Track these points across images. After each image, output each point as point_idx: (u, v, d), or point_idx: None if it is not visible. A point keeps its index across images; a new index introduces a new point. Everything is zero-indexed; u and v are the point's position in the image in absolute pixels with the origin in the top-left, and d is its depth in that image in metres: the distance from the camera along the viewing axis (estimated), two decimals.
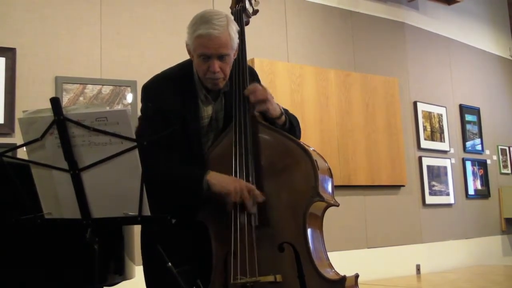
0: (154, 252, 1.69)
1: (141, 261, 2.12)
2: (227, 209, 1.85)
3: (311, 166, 1.85)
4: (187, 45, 1.97)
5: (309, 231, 1.84)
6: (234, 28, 1.92)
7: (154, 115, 1.95)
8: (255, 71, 2.24)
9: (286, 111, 2.08)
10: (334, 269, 1.89)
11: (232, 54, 1.95)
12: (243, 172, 1.87)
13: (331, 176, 1.98)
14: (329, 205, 1.92)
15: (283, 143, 1.93)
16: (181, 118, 1.95)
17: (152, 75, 2.10)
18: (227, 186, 1.82)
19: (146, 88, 2.04)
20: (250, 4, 2.17)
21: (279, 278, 1.80)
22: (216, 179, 1.85)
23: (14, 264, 1.81)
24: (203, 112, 2.01)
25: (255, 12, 2.17)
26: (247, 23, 2.17)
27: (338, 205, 1.92)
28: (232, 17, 2.01)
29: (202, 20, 1.88)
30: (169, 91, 1.98)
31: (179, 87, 1.99)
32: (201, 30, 1.86)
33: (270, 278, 1.79)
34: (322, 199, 1.84)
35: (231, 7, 2.15)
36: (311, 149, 1.93)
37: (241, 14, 2.09)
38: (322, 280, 1.78)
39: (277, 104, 2.02)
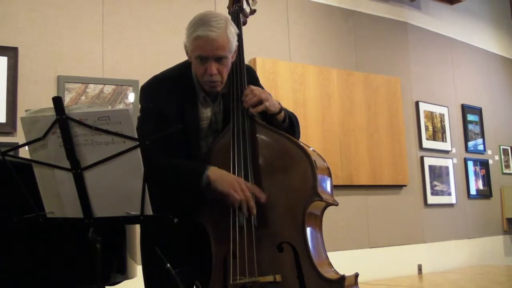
0: (153, 253, 1.69)
1: None
2: (227, 204, 1.83)
3: (309, 165, 1.84)
4: (185, 46, 1.96)
5: (308, 230, 1.84)
6: (232, 30, 1.92)
7: (153, 116, 1.94)
8: (252, 69, 2.22)
9: (285, 110, 2.07)
10: (333, 268, 1.89)
11: (230, 57, 1.94)
12: (242, 172, 1.87)
13: (330, 175, 1.98)
14: (328, 205, 1.92)
15: (281, 143, 1.92)
16: (180, 119, 1.94)
17: (154, 75, 2.09)
18: (228, 187, 1.80)
19: (145, 89, 2.04)
20: (248, 4, 2.16)
21: (278, 278, 1.79)
22: (217, 176, 1.83)
23: (16, 264, 1.81)
24: (202, 114, 2.01)
25: (253, 12, 2.16)
26: (245, 23, 2.17)
27: (337, 204, 1.91)
28: (231, 20, 2.00)
29: (201, 22, 1.87)
30: (168, 92, 1.97)
31: (178, 88, 1.99)
32: (199, 32, 1.85)
33: (270, 278, 1.79)
34: (321, 198, 1.83)
35: (228, 7, 2.14)
36: (310, 149, 1.92)
37: (238, 14, 2.09)
38: (321, 280, 1.78)
39: (277, 101, 2.01)
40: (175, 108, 1.95)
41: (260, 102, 1.94)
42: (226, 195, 1.81)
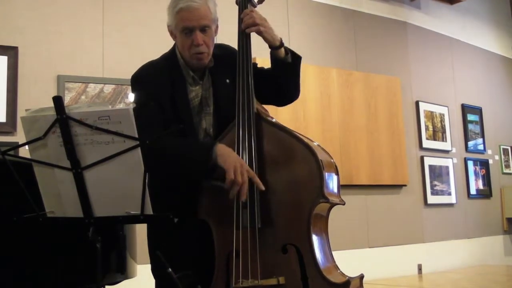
0: (157, 256, 1.68)
1: (142, 260, 2.12)
2: (228, 201, 1.82)
3: (316, 165, 1.81)
4: (168, 26, 2.02)
5: (313, 232, 1.80)
6: (212, 2, 1.98)
7: (147, 107, 1.95)
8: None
9: (290, 49, 2.08)
10: (339, 270, 1.86)
11: (213, 28, 1.99)
12: None
13: (337, 173, 1.94)
14: (335, 205, 1.90)
15: (287, 141, 1.89)
16: (172, 102, 1.97)
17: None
18: (230, 164, 1.79)
19: (136, 77, 2.07)
20: None
21: (282, 280, 1.77)
22: (224, 151, 1.83)
23: (16, 263, 1.81)
24: (191, 93, 2.03)
25: (261, 1, 2.16)
26: None
27: (343, 204, 1.89)
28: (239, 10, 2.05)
29: None
30: (157, 78, 2.02)
31: (167, 73, 2.03)
32: (181, 4, 1.92)
33: (273, 281, 1.77)
34: (327, 200, 1.80)
35: None
36: (315, 143, 1.90)
37: (246, 5, 2.09)
38: (326, 283, 1.75)
39: (279, 36, 2.03)
40: (166, 93, 1.98)
41: (255, 24, 1.98)
42: (226, 170, 1.79)
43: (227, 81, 2.05)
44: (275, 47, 2.03)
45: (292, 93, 2.15)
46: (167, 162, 1.87)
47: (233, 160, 1.81)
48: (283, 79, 2.07)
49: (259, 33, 2.00)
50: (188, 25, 1.93)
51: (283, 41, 2.07)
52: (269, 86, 2.06)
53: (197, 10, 1.92)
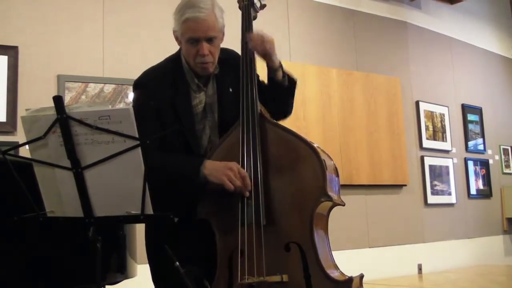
0: (159, 252, 1.69)
1: (142, 260, 2.12)
2: (233, 194, 1.83)
3: (319, 165, 1.83)
4: (174, 31, 2.00)
5: (315, 231, 1.82)
6: (219, 11, 1.96)
7: (147, 112, 1.94)
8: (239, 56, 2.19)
9: (287, 71, 2.09)
10: (339, 269, 1.88)
11: (220, 37, 1.98)
12: (251, 170, 1.86)
13: (337, 175, 1.96)
14: (336, 205, 1.91)
15: (290, 141, 1.91)
16: (174, 108, 1.97)
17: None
18: (221, 176, 1.81)
19: (138, 83, 2.06)
20: None
21: (285, 278, 1.78)
22: (210, 169, 1.84)
23: (16, 263, 1.81)
24: (195, 100, 2.03)
25: (263, 6, 2.17)
26: (255, 17, 2.16)
27: (344, 205, 1.90)
28: (241, 15, 2.05)
29: (188, 5, 1.91)
30: (160, 84, 2.00)
31: (170, 78, 2.02)
32: (188, 14, 1.89)
33: (277, 278, 1.78)
34: (329, 199, 1.82)
35: (238, 1, 2.14)
36: (315, 145, 1.91)
37: (249, 9, 2.09)
38: (328, 281, 1.76)
39: (279, 61, 2.04)
40: (168, 99, 1.97)
41: (263, 44, 1.97)
42: (222, 184, 1.80)
43: (230, 90, 2.05)
44: (274, 69, 2.03)
45: (285, 112, 2.17)
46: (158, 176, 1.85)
47: (222, 171, 1.82)
48: (279, 99, 2.09)
49: (265, 55, 1.99)
50: (195, 36, 1.91)
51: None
52: (264, 101, 2.06)
53: (205, 21, 1.89)
